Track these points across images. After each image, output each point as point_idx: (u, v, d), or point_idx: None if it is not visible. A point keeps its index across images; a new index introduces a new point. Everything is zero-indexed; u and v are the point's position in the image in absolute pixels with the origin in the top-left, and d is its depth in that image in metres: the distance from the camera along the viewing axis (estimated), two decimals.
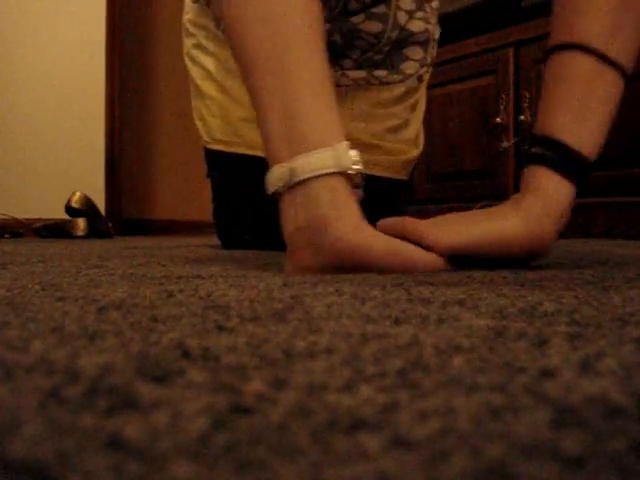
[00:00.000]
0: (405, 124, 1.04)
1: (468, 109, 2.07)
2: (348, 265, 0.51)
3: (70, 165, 2.78)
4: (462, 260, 0.55)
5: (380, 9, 0.93)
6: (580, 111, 0.60)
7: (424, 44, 1.00)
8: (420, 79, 1.04)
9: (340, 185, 0.52)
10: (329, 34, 0.93)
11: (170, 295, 0.38)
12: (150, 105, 3.15)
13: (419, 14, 0.96)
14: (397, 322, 0.28)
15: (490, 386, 0.18)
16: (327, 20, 0.91)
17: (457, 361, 0.21)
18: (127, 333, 0.25)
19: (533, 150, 0.61)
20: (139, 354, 0.22)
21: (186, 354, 0.22)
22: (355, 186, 0.54)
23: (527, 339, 0.24)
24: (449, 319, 0.29)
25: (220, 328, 0.26)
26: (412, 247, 0.53)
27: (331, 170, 0.52)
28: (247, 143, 1.00)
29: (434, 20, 1.01)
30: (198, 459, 0.12)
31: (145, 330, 0.26)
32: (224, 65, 1.03)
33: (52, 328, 0.27)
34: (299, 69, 0.55)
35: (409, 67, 1.01)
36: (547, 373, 0.19)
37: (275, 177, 0.54)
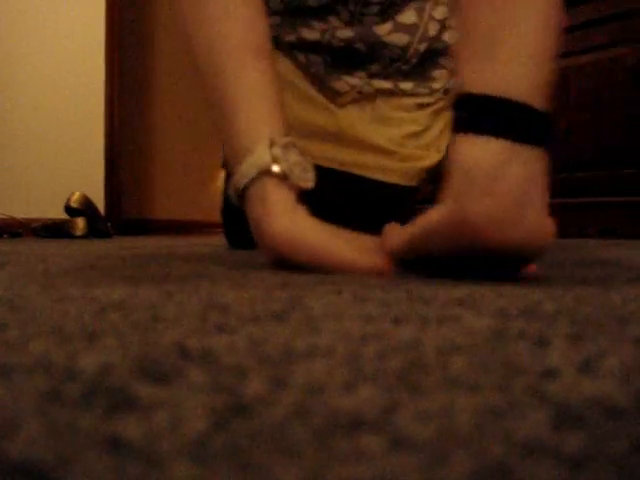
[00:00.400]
0: (426, 129, 1.00)
1: None
2: (279, 260, 0.55)
3: (69, 165, 2.78)
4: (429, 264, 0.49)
5: (410, 18, 0.88)
6: (492, 43, 0.46)
7: None
8: (447, 92, 0.98)
9: (266, 184, 0.55)
10: (351, 42, 0.90)
11: (170, 295, 0.38)
12: (150, 105, 3.15)
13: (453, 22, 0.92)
14: (397, 322, 0.28)
15: (490, 386, 0.18)
16: (347, 25, 0.90)
17: (457, 361, 0.21)
18: (127, 333, 0.25)
19: (455, 115, 0.48)
20: (139, 354, 0.21)
21: (186, 354, 0.22)
22: (290, 176, 0.55)
23: (527, 339, 0.24)
24: (449, 319, 0.29)
25: (220, 328, 0.26)
26: (344, 248, 0.52)
27: (254, 174, 0.55)
28: None
29: None
30: (198, 459, 0.12)
31: (145, 330, 0.26)
32: None
33: (51, 328, 0.26)
34: (229, 86, 0.59)
35: (437, 82, 0.96)
36: (547, 373, 0.19)
37: (231, 190, 0.59)
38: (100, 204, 2.60)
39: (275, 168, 0.55)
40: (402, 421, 0.15)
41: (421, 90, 0.96)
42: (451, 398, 0.17)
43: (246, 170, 0.55)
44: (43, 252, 0.99)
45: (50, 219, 2.10)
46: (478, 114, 0.45)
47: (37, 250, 1.07)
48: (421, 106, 0.98)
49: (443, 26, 0.91)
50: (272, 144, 0.55)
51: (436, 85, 0.97)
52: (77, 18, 2.79)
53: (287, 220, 0.54)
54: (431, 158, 1.01)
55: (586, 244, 1.34)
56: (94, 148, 2.85)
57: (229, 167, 0.60)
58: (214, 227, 2.95)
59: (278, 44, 0.94)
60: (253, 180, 0.55)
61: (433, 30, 0.90)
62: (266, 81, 0.59)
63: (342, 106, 0.96)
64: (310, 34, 0.92)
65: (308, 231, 0.54)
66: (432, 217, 0.47)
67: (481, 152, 0.44)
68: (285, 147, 0.56)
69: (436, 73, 0.96)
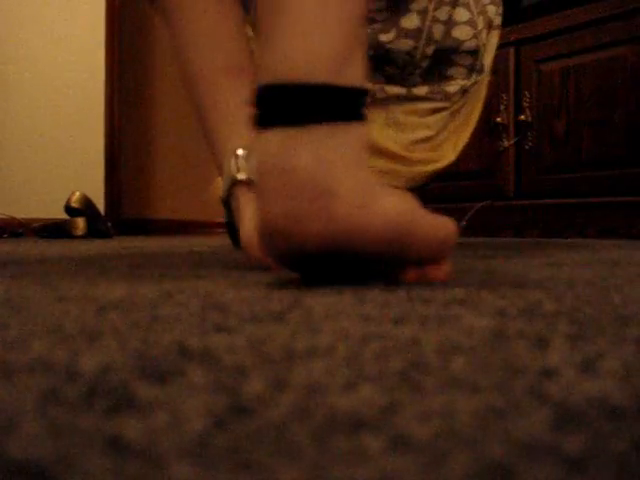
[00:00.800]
0: (438, 133, 0.98)
1: None
2: (257, 259, 0.55)
3: (70, 165, 2.78)
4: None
5: (413, 22, 0.87)
6: (261, 24, 0.42)
7: (473, 53, 0.92)
8: (465, 92, 0.96)
9: (238, 193, 0.58)
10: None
11: (170, 295, 0.38)
12: (150, 105, 3.15)
13: (461, 17, 0.88)
14: (397, 322, 0.28)
15: (491, 386, 0.18)
16: None
17: (457, 361, 0.21)
18: (127, 333, 0.25)
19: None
20: (138, 354, 0.21)
21: (186, 354, 0.22)
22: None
23: (527, 339, 0.24)
24: (449, 319, 0.29)
25: (220, 328, 0.26)
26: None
27: (227, 187, 0.58)
28: None
29: (483, 22, 0.91)
30: (198, 459, 0.12)
31: (145, 330, 0.26)
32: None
33: (52, 328, 0.26)
34: (198, 98, 0.64)
35: (453, 84, 0.94)
36: (547, 373, 0.19)
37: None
38: (100, 204, 2.60)
39: (239, 176, 0.57)
40: (402, 421, 0.15)
41: (436, 95, 0.95)
42: (451, 398, 0.17)
43: (224, 185, 0.59)
44: (43, 252, 0.99)
45: (50, 219, 2.10)
46: (258, 107, 0.41)
47: (37, 250, 1.07)
48: (435, 110, 0.96)
49: (449, 25, 0.89)
50: (236, 155, 0.58)
51: (451, 88, 0.94)
52: (77, 18, 2.79)
53: (253, 223, 0.55)
54: (444, 159, 0.99)
55: (586, 244, 1.34)
56: (94, 148, 2.85)
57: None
58: (214, 227, 2.95)
59: None
60: (228, 192, 0.59)
61: (438, 32, 0.89)
62: (238, 98, 0.60)
63: None
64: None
65: (251, 242, 0.56)
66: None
67: (265, 146, 0.40)
68: (250, 154, 0.57)
69: (452, 71, 0.94)
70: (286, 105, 0.40)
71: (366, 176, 0.41)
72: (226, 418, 0.15)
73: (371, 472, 0.12)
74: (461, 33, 0.90)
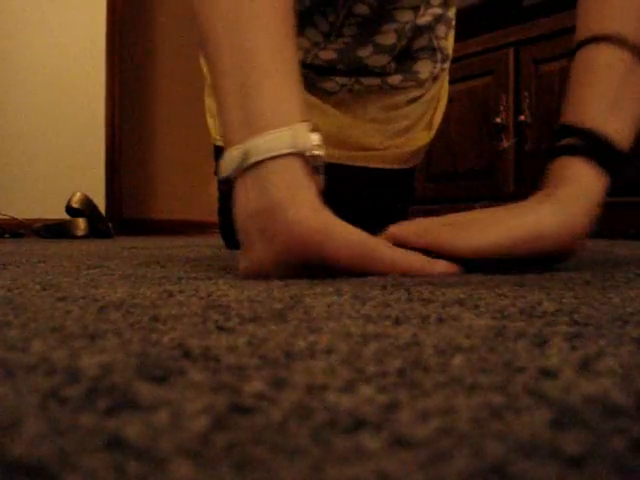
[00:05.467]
0: (418, 121, 1.02)
1: (468, 109, 2.07)
2: (302, 255, 0.46)
3: (70, 165, 2.78)
4: (485, 262, 0.51)
5: (389, 40, 0.89)
6: (614, 101, 0.56)
7: (429, 50, 0.97)
8: (435, 78, 1.00)
9: (297, 167, 0.47)
10: (333, 62, 0.91)
11: (170, 295, 0.38)
12: (150, 105, 3.15)
13: (425, 10, 0.91)
14: (397, 322, 0.28)
15: (490, 386, 0.18)
16: (325, 38, 0.90)
17: (457, 361, 0.21)
18: (127, 333, 0.25)
19: (565, 141, 0.56)
20: (139, 354, 0.22)
21: (186, 354, 0.22)
22: (316, 171, 0.49)
23: (527, 339, 0.24)
24: (449, 319, 0.29)
25: (220, 328, 0.26)
26: (382, 243, 0.50)
27: (287, 151, 0.47)
28: None
29: (440, 8, 0.94)
30: (198, 459, 0.12)
31: (145, 330, 0.26)
32: None
33: (52, 328, 0.27)
34: (260, 51, 0.51)
35: (423, 71, 0.98)
36: (547, 373, 0.19)
37: (228, 161, 0.49)
38: (101, 204, 2.60)
39: (317, 152, 0.48)
40: (402, 421, 0.15)
41: (409, 83, 0.98)
42: (451, 398, 0.17)
43: (273, 143, 0.47)
44: (44, 252, 0.99)
45: (51, 219, 2.11)
46: (594, 147, 0.55)
47: (38, 250, 1.07)
48: (412, 100, 1.00)
49: (416, 19, 0.92)
50: (314, 129, 0.49)
51: (422, 75, 0.98)
52: (78, 18, 2.79)
53: (317, 211, 0.47)
54: (423, 139, 1.02)
55: (586, 244, 1.34)
56: (95, 149, 2.85)
57: (227, 138, 0.50)
58: (214, 227, 2.95)
59: None
60: (280, 158, 0.47)
61: (409, 32, 0.92)
62: (292, 51, 0.52)
63: (335, 105, 0.97)
64: None
65: (344, 226, 0.47)
66: (539, 224, 0.52)
67: (590, 180, 0.54)
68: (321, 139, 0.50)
69: (418, 66, 0.98)
70: (608, 152, 0.55)
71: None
72: (226, 418, 0.15)
73: (371, 471, 0.12)
74: (423, 20, 0.93)
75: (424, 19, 0.92)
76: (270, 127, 0.48)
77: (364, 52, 0.91)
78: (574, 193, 0.53)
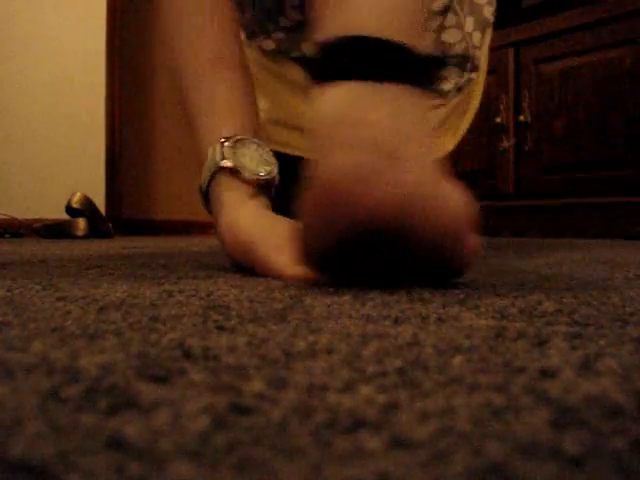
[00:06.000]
0: (439, 126, 0.98)
1: None
2: (231, 255, 0.54)
3: (70, 165, 2.78)
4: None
5: None
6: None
7: (462, 57, 0.92)
8: (460, 89, 0.96)
9: (222, 182, 0.55)
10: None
11: (170, 295, 0.38)
12: (150, 105, 3.15)
13: (449, 21, 0.88)
14: (397, 322, 0.28)
15: (490, 386, 0.18)
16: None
17: (457, 361, 0.21)
18: (127, 333, 0.25)
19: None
20: (139, 354, 0.22)
21: (186, 354, 0.22)
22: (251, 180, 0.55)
23: (527, 339, 0.24)
24: (449, 319, 0.29)
25: (220, 328, 0.26)
26: (272, 250, 0.48)
27: (209, 174, 0.56)
28: (267, 137, 0.99)
29: (473, 23, 0.90)
30: (198, 459, 0.12)
31: (145, 330, 0.26)
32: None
33: (52, 328, 0.27)
34: (187, 88, 0.62)
35: (447, 82, 0.94)
36: (547, 373, 0.19)
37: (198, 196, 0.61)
38: (101, 204, 2.60)
39: (225, 163, 0.55)
40: (402, 421, 0.15)
41: (433, 102, 0.95)
42: (450, 398, 0.17)
43: (205, 173, 0.57)
44: (44, 252, 1.00)
45: (51, 219, 2.10)
46: (330, 59, 0.39)
47: (38, 250, 1.07)
48: (432, 108, 0.97)
49: (439, 31, 0.90)
50: (223, 142, 0.56)
51: (446, 86, 0.95)
52: (78, 18, 2.79)
53: (236, 214, 0.53)
54: (442, 150, 0.99)
55: (586, 244, 1.34)
56: (95, 149, 2.85)
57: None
58: (214, 227, 2.95)
59: (279, 59, 0.96)
60: (209, 180, 0.56)
61: (430, 40, 0.89)
62: (224, 88, 0.60)
63: None
64: (310, 50, 0.92)
65: (249, 227, 0.52)
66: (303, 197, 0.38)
67: (334, 98, 0.38)
68: (239, 142, 0.56)
69: (445, 72, 0.95)
70: (361, 59, 0.38)
71: (430, 147, 0.39)
72: (226, 417, 0.15)
73: (371, 471, 0.12)
74: (450, 36, 0.91)
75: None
76: (203, 162, 0.58)
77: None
78: (317, 138, 0.38)
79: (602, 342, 0.24)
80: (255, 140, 0.57)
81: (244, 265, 0.53)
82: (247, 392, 0.17)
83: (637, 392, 0.17)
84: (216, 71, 0.61)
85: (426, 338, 0.24)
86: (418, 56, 0.39)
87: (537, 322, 0.28)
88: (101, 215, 2.10)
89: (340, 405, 0.16)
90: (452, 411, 0.15)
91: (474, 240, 0.38)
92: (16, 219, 2.34)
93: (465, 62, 0.95)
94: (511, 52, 1.99)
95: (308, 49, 0.92)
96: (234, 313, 0.30)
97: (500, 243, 1.44)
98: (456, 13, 0.90)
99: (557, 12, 1.89)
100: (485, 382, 0.18)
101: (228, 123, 0.58)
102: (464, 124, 1.03)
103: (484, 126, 2.02)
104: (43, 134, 2.74)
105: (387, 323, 0.28)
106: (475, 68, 0.97)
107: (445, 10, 0.90)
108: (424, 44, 0.40)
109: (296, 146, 0.96)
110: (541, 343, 0.23)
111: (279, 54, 0.94)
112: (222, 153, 0.55)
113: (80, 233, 1.94)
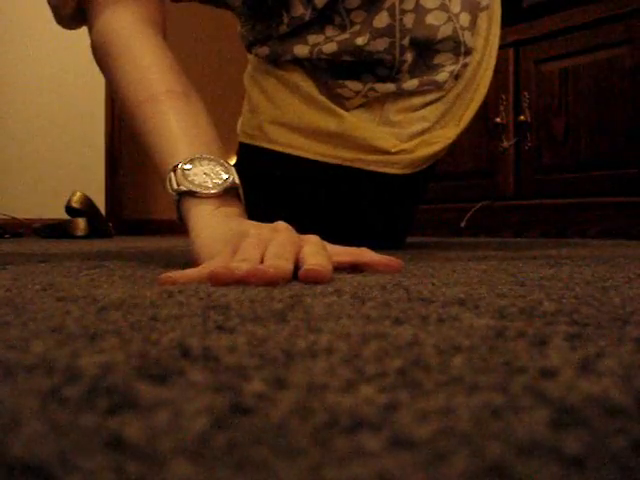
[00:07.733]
0: (436, 122, 0.98)
1: None
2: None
3: (70, 165, 2.78)
4: None
5: (383, 21, 0.88)
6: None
7: (454, 37, 0.93)
8: (457, 77, 0.97)
9: (184, 205, 0.60)
10: (337, 55, 0.91)
11: (170, 295, 0.38)
12: None
13: (432, 3, 0.90)
14: (397, 322, 0.28)
15: (490, 386, 0.18)
16: (341, 31, 0.90)
17: (457, 361, 0.21)
18: (127, 333, 0.25)
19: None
20: (139, 354, 0.22)
21: (186, 354, 0.22)
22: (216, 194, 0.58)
23: (527, 339, 0.24)
24: (449, 319, 0.29)
25: (220, 328, 0.26)
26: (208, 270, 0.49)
27: (175, 201, 0.60)
28: (269, 139, 0.99)
29: (460, 5, 0.92)
30: (198, 459, 0.12)
31: (145, 330, 0.26)
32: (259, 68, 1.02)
33: (52, 328, 0.27)
34: (135, 124, 0.68)
35: (442, 72, 0.95)
36: (547, 373, 0.19)
37: None
38: (101, 204, 2.60)
39: (181, 189, 0.59)
40: (402, 420, 0.15)
41: (426, 88, 0.96)
42: (451, 397, 0.17)
43: (174, 199, 0.61)
44: (44, 252, 1.00)
45: (51, 219, 2.11)
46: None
47: (38, 250, 1.07)
48: (430, 102, 0.97)
49: (420, 13, 0.90)
50: (174, 170, 0.59)
51: (441, 77, 0.95)
52: None
53: (198, 230, 0.56)
54: (443, 141, 0.99)
55: (586, 244, 1.34)
56: (95, 148, 2.85)
57: None
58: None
59: (279, 63, 0.97)
60: (176, 206, 0.61)
61: (410, 21, 0.90)
62: (178, 118, 0.64)
63: (351, 109, 0.97)
64: (301, 50, 0.93)
65: (200, 246, 0.54)
66: None
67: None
68: (190, 163, 0.59)
69: (438, 59, 0.95)
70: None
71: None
72: (226, 418, 0.15)
73: (371, 471, 0.12)
74: (435, 18, 0.92)
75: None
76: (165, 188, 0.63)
77: (362, 39, 0.90)
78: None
79: (602, 342, 0.24)
80: (206, 156, 0.60)
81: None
82: (247, 392, 0.17)
83: (637, 392, 0.17)
84: (171, 101, 0.65)
85: (426, 338, 0.24)
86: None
87: (537, 322, 0.28)
88: (101, 215, 2.10)
89: (340, 405, 0.16)
90: (452, 411, 0.15)
91: None
92: (16, 219, 2.34)
93: (457, 47, 0.95)
94: (511, 52, 1.99)
95: (299, 51, 0.93)
96: (234, 313, 0.30)
97: (500, 243, 1.44)
98: None
99: (557, 11, 1.89)
100: (485, 382, 0.18)
101: (176, 151, 0.62)
102: (468, 113, 1.01)
103: (484, 126, 2.02)
104: (43, 134, 2.74)
105: (387, 323, 0.28)
106: (469, 51, 0.97)
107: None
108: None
109: (297, 146, 0.96)
110: (541, 343, 0.23)
111: (275, 59, 0.96)
112: (176, 180, 0.59)
113: (80, 233, 1.94)
